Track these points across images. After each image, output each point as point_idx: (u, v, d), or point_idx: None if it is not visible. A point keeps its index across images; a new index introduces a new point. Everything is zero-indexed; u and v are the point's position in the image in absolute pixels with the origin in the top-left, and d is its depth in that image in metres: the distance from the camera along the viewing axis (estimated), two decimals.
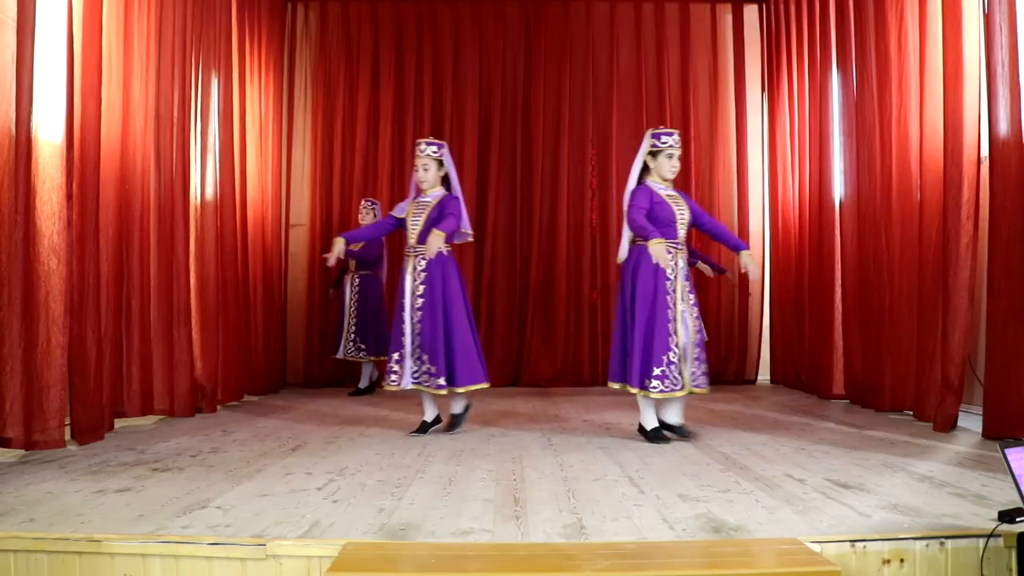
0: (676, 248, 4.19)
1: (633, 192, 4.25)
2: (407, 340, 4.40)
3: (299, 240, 7.73)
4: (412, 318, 4.40)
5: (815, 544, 2.29)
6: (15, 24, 3.74)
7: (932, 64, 4.60)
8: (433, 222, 4.41)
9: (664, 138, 4.26)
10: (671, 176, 4.27)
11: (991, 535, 2.32)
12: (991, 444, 3.79)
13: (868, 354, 5.41)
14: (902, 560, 2.32)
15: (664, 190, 4.26)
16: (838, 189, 5.95)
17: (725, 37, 7.90)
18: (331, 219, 7.62)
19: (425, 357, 4.36)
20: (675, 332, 4.08)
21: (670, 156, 4.23)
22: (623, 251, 4.32)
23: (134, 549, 2.34)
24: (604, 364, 7.57)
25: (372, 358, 6.62)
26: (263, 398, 6.53)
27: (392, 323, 4.55)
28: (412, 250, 4.49)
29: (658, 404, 4.23)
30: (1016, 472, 2.35)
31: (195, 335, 5.36)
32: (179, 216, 5.15)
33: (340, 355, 6.68)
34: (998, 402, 4.02)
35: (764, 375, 7.62)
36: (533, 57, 7.80)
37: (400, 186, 7.65)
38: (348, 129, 7.70)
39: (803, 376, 6.63)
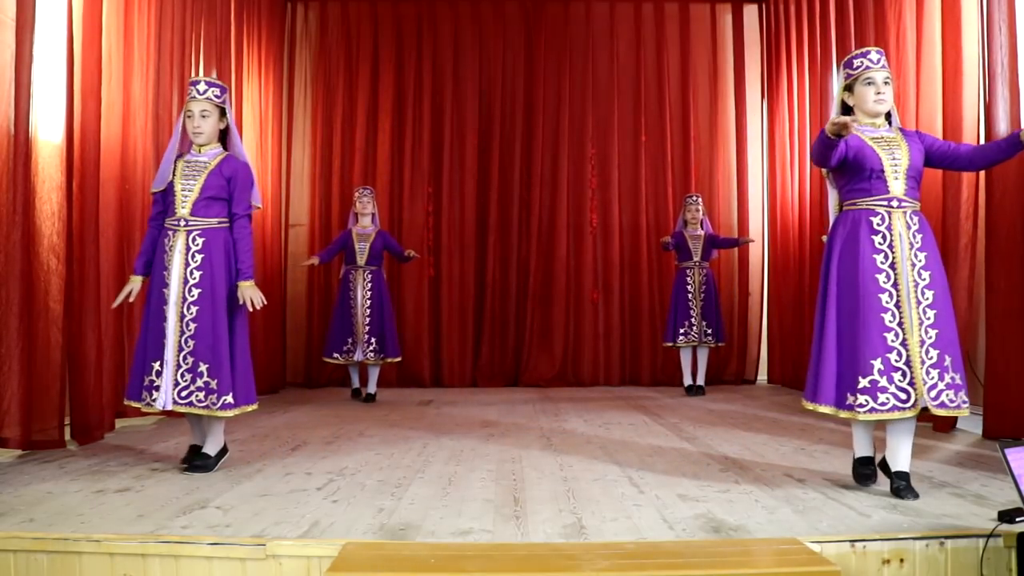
0: (886, 207, 2.96)
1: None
2: (170, 343, 3.39)
3: (298, 240, 7.73)
4: (183, 314, 3.40)
5: (815, 544, 2.29)
6: (14, 24, 3.74)
7: (931, 64, 4.61)
8: (214, 189, 3.47)
9: (857, 61, 3.06)
10: (880, 108, 3.04)
11: (991, 535, 2.32)
12: (991, 444, 3.80)
13: None
14: (902, 560, 2.32)
15: (872, 132, 3.04)
16: None
17: (725, 37, 7.92)
18: (330, 219, 7.62)
19: (203, 368, 3.37)
20: (897, 325, 2.88)
21: (869, 82, 3.02)
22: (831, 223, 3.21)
23: (134, 549, 2.34)
24: (605, 364, 7.62)
25: (383, 360, 6.16)
26: (262, 398, 6.50)
27: (144, 320, 3.50)
28: (183, 223, 3.45)
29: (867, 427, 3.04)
30: (1016, 472, 2.36)
31: None
32: None
33: (358, 357, 6.04)
34: (998, 402, 4.03)
35: (764, 375, 7.63)
36: (533, 57, 7.81)
37: (400, 186, 7.66)
38: (347, 129, 7.70)
39: (802, 376, 6.61)
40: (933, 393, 2.84)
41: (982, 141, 4.24)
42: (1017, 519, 2.37)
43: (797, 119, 6.82)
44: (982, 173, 4.21)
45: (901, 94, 4.91)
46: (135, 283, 3.55)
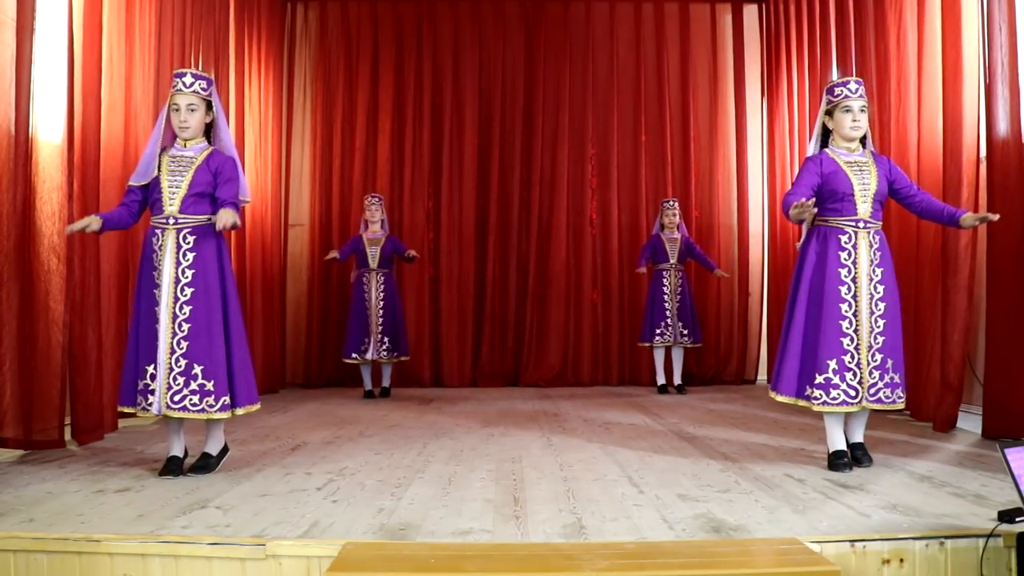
0: (854, 227, 3.38)
1: (804, 162, 3.51)
2: (162, 347, 3.25)
3: (298, 240, 7.74)
4: (175, 315, 3.27)
5: (815, 544, 2.29)
6: (14, 24, 3.75)
7: (931, 64, 4.60)
8: (202, 186, 3.34)
9: (837, 89, 3.42)
10: (855, 134, 3.41)
11: (991, 535, 2.32)
12: (991, 444, 3.79)
13: None
14: (902, 560, 2.32)
15: (847, 156, 3.43)
16: None
17: (725, 37, 7.92)
18: (330, 219, 7.63)
19: (197, 370, 3.25)
20: (853, 331, 3.33)
21: (847, 110, 3.38)
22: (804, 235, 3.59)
23: (134, 549, 2.34)
24: (604, 364, 7.61)
25: (395, 358, 6.44)
26: (262, 398, 6.50)
27: (134, 323, 3.37)
28: (172, 221, 3.31)
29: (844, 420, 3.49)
30: (1016, 472, 2.36)
31: None
32: None
33: (371, 356, 6.29)
34: (998, 402, 4.02)
35: (764, 375, 7.62)
36: (533, 57, 7.81)
37: (400, 186, 7.65)
38: (347, 129, 7.71)
39: None
40: (872, 391, 3.33)
41: (982, 141, 4.24)
42: (1017, 519, 2.37)
43: (797, 119, 6.82)
44: (983, 173, 4.23)
45: (901, 94, 4.91)
46: (96, 222, 3.31)
